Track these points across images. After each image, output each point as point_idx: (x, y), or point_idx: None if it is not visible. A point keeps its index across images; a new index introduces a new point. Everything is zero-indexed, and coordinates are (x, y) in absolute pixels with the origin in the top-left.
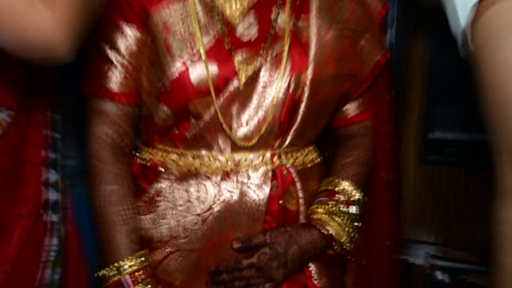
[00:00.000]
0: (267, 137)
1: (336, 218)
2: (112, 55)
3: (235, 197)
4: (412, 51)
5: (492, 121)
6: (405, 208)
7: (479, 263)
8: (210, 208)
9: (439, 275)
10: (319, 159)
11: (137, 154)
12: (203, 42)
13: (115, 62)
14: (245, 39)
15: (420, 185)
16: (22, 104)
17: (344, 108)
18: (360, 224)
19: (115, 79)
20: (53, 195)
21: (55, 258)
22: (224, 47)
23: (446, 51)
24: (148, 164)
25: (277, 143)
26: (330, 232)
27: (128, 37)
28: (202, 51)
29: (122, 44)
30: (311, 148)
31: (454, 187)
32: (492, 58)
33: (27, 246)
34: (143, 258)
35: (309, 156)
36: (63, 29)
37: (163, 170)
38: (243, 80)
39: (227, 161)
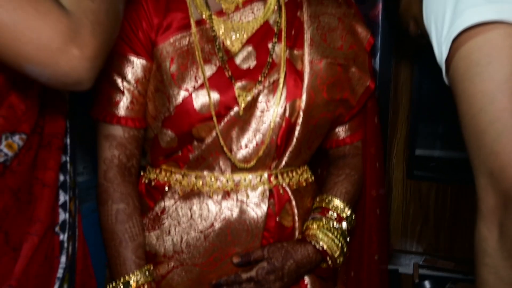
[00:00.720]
0: (265, 158)
1: (329, 234)
2: (120, 82)
3: (235, 215)
4: (397, 76)
5: (471, 145)
6: (394, 220)
7: (466, 273)
8: (212, 225)
9: (427, 284)
10: (312, 178)
11: (143, 174)
12: (205, 70)
13: (122, 89)
14: (244, 67)
15: (408, 199)
16: (34, 127)
17: (336, 130)
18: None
19: (123, 104)
20: (61, 215)
21: (62, 275)
22: (224, 75)
23: (429, 75)
24: (154, 183)
25: (274, 164)
26: (324, 247)
27: (135, 65)
28: (204, 79)
29: (129, 72)
30: (305, 167)
31: (440, 201)
32: (471, 88)
33: (34, 263)
34: (148, 273)
35: (304, 175)
36: (90, 64)
37: (167, 189)
38: (242, 106)
39: (227, 181)
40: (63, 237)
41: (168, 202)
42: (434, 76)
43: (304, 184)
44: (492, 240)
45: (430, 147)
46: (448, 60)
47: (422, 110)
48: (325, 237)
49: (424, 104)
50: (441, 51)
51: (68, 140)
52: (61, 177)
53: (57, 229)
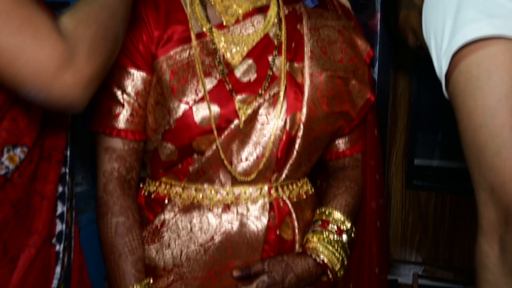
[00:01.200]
0: (265, 171)
1: (330, 247)
2: (120, 95)
3: (235, 228)
4: (396, 86)
5: (472, 160)
6: (393, 230)
7: (465, 283)
8: (212, 238)
9: None
10: (312, 190)
11: (143, 186)
12: (206, 83)
13: (122, 102)
14: (244, 80)
15: (407, 208)
16: (36, 141)
17: (336, 142)
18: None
19: (122, 117)
20: (58, 226)
21: (57, 286)
22: (225, 88)
23: (427, 85)
24: (153, 196)
25: (274, 177)
26: (324, 260)
27: (135, 78)
28: (205, 93)
29: (129, 84)
30: (305, 180)
31: (439, 210)
32: (471, 103)
33: (31, 274)
34: (148, 286)
35: (304, 187)
36: (82, 89)
37: (167, 202)
38: (243, 119)
39: (227, 194)
40: (59, 248)
41: (168, 215)
42: (432, 86)
43: (304, 196)
44: (493, 256)
45: (429, 157)
46: (448, 74)
47: (421, 120)
48: (326, 250)
49: (422, 114)
50: (440, 65)
51: (68, 152)
52: (60, 188)
53: (53, 240)
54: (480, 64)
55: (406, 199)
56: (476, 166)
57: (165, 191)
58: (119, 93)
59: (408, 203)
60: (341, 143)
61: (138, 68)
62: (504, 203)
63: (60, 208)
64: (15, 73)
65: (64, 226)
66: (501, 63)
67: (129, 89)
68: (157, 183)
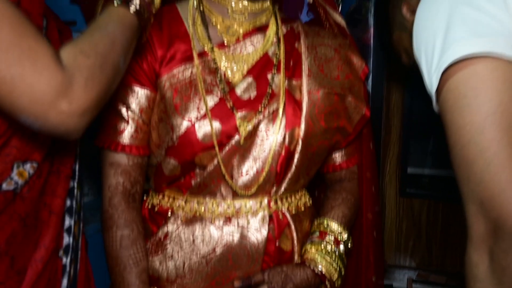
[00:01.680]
0: (265, 185)
1: (327, 258)
2: (124, 112)
3: (236, 240)
4: (389, 97)
5: (461, 175)
6: (388, 236)
7: (458, 286)
8: (214, 250)
9: None
10: (310, 202)
11: (146, 198)
12: (207, 101)
13: (127, 118)
14: (245, 97)
15: (401, 215)
16: (45, 156)
17: (333, 156)
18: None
19: (127, 133)
20: (66, 240)
21: None
22: (226, 105)
23: (420, 96)
24: (157, 208)
25: (273, 190)
26: (322, 271)
27: (140, 95)
28: (206, 110)
29: (134, 101)
30: (303, 191)
31: (432, 217)
32: (460, 119)
33: (38, 286)
34: None
35: (302, 199)
36: (78, 119)
37: (170, 214)
38: (243, 135)
39: (228, 207)
40: (66, 260)
41: (171, 227)
42: (424, 97)
43: (302, 208)
44: (483, 267)
45: (421, 166)
46: (438, 91)
47: (414, 130)
48: (324, 261)
49: (415, 124)
50: (431, 82)
51: (77, 167)
52: (68, 202)
53: (60, 253)
54: (468, 82)
55: (400, 206)
56: (465, 180)
57: (168, 204)
58: (124, 110)
59: (402, 210)
60: (337, 157)
61: (142, 85)
62: (492, 216)
63: (68, 222)
64: (13, 101)
65: (71, 239)
66: (487, 81)
67: (134, 106)
68: (160, 196)
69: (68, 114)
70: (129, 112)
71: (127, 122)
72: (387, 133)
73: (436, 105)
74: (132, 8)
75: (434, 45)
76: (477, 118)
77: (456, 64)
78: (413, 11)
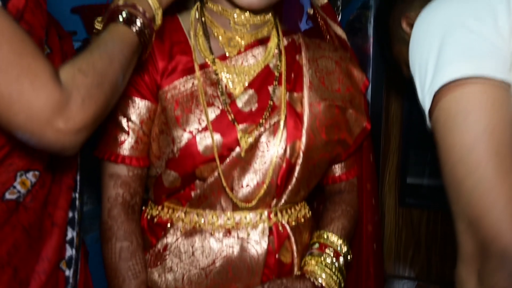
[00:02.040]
0: (265, 197)
1: (327, 270)
2: (125, 123)
3: (236, 252)
4: (388, 107)
5: (451, 193)
6: (387, 246)
7: None
8: (214, 262)
9: None
10: (309, 213)
11: (145, 209)
12: (209, 113)
13: (127, 129)
14: (246, 110)
15: (401, 225)
16: (47, 165)
17: (333, 168)
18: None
19: (127, 144)
20: (68, 251)
21: None
22: (227, 117)
23: (418, 107)
24: (156, 220)
25: (273, 203)
26: (322, 284)
27: (140, 107)
28: (208, 122)
29: (134, 113)
30: (303, 203)
31: (431, 227)
32: (450, 139)
33: None
34: None
35: (302, 211)
36: (74, 136)
37: (169, 226)
38: (244, 147)
39: (228, 219)
40: (69, 273)
41: (170, 239)
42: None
43: (302, 220)
44: (471, 284)
45: (421, 176)
46: (431, 110)
47: (413, 141)
48: (324, 273)
49: (414, 134)
50: (424, 101)
51: (78, 177)
52: (70, 214)
53: (61, 264)
54: (458, 103)
55: (399, 216)
56: (455, 198)
57: (168, 216)
58: (124, 121)
59: (401, 220)
60: (337, 168)
61: (143, 97)
62: (479, 237)
63: (70, 234)
64: (10, 118)
65: (74, 251)
66: (477, 102)
67: (134, 117)
68: (160, 207)
69: (64, 132)
70: (130, 123)
71: (128, 133)
72: (387, 143)
73: (429, 123)
74: (134, 28)
75: (427, 66)
76: (466, 139)
77: (448, 85)
78: (412, 25)
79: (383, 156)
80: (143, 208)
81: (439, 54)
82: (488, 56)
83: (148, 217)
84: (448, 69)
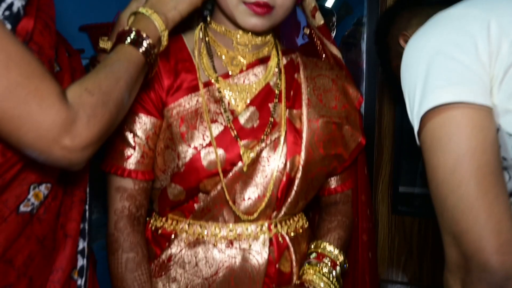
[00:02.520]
0: (266, 210)
1: (325, 279)
2: (131, 138)
3: (238, 262)
4: (381, 119)
5: (437, 208)
6: (381, 252)
7: None
8: (217, 272)
9: None
10: (307, 224)
11: (149, 220)
12: (213, 130)
13: (134, 144)
14: (248, 126)
15: (393, 232)
16: (58, 178)
17: (329, 180)
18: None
19: (133, 159)
20: (80, 262)
21: None
22: (230, 134)
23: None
24: (160, 231)
25: (274, 214)
26: None
27: (146, 123)
28: (211, 138)
29: (140, 128)
30: (300, 214)
31: (423, 234)
32: (435, 160)
33: None
34: None
35: (300, 222)
36: (80, 153)
37: (173, 237)
38: (246, 162)
39: (230, 231)
40: (81, 282)
41: (174, 250)
42: None
43: (300, 230)
44: None
45: (412, 185)
46: (419, 131)
47: (405, 151)
48: (322, 282)
49: (406, 145)
50: (413, 123)
51: (88, 189)
52: (81, 225)
53: (73, 273)
54: (442, 127)
55: (392, 223)
56: (440, 214)
57: (172, 227)
58: (130, 136)
59: (394, 227)
60: (333, 181)
61: (149, 113)
62: (462, 250)
63: (81, 244)
64: (20, 137)
65: (85, 261)
66: (459, 126)
67: (140, 133)
68: (164, 219)
69: (70, 149)
70: (136, 139)
71: (134, 148)
72: (380, 154)
73: (418, 142)
74: (141, 49)
75: (415, 91)
76: (449, 160)
77: (433, 110)
78: None
79: (376, 166)
80: (147, 219)
81: (425, 81)
82: (469, 83)
83: (153, 228)
84: (432, 95)
